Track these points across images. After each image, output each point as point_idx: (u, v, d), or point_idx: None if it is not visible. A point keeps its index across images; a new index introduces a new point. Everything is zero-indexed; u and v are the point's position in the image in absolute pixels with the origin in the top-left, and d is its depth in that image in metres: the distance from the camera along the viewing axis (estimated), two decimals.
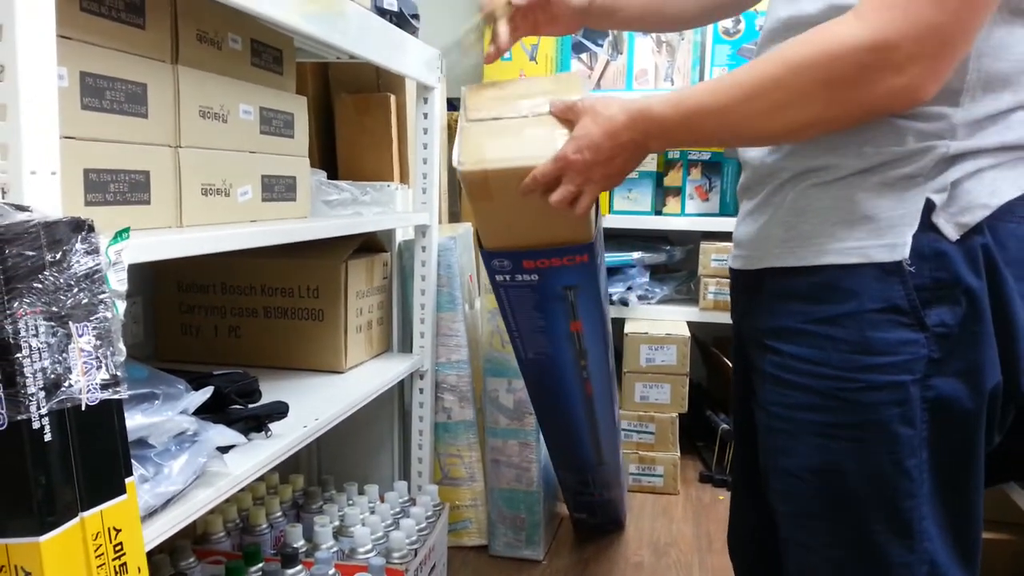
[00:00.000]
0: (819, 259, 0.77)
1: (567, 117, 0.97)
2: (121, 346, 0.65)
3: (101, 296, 0.64)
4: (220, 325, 1.54)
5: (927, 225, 0.73)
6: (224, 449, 1.01)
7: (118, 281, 0.66)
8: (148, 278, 1.56)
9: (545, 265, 1.15)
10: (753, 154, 0.86)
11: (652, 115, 0.84)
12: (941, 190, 0.73)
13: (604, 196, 2.40)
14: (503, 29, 1.07)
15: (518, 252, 1.14)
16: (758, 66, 0.74)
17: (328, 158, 1.79)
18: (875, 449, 0.75)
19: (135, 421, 0.85)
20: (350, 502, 1.55)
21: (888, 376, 0.73)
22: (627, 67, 2.43)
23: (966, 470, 0.76)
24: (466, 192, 1.06)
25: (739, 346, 0.94)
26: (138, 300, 1.54)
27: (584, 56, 2.46)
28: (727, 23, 2.35)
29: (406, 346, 1.80)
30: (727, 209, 2.47)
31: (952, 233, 0.72)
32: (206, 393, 0.98)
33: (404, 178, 1.78)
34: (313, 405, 1.29)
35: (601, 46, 2.43)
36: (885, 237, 0.73)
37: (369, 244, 1.66)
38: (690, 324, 2.32)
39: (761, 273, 0.84)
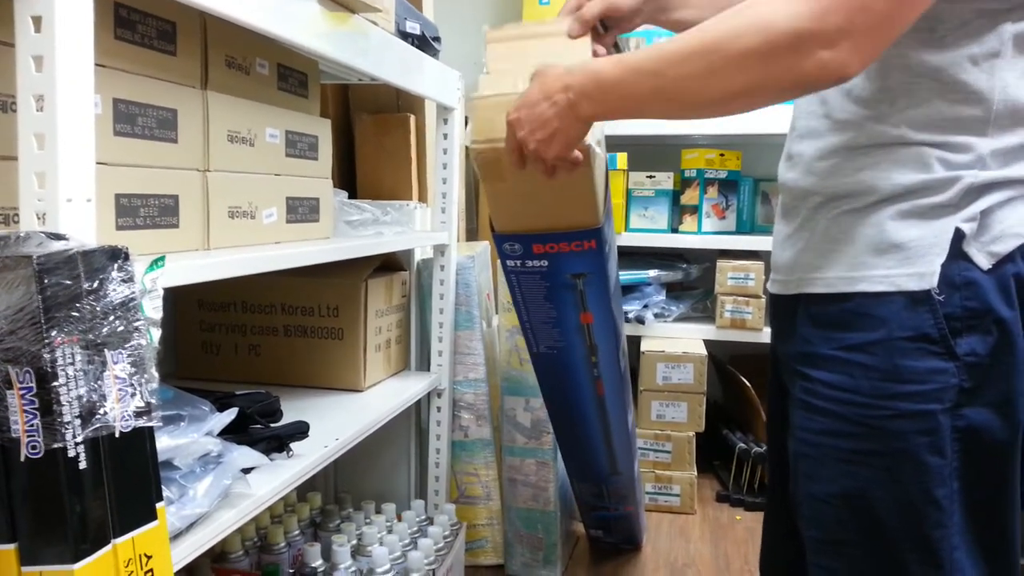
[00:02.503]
0: (849, 287, 0.77)
1: None
2: (154, 372, 0.66)
3: (136, 324, 0.64)
4: (240, 343, 1.55)
5: (957, 254, 0.73)
6: (246, 470, 1.01)
7: (153, 309, 0.66)
8: (169, 296, 1.57)
9: (554, 250, 1.17)
10: (788, 176, 0.87)
11: (590, 67, 0.81)
12: (971, 219, 0.73)
13: (620, 209, 2.40)
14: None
15: (528, 236, 1.16)
16: (698, 32, 0.73)
17: (347, 176, 1.81)
18: (903, 478, 0.75)
19: (161, 443, 0.85)
20: (368, 521, 1.55)
21: (917, 405, 0.73)
22: None
23: (1001, 501, 0.76)
24: (478, 171, 1.06)
25: (775, 370, 0.95)
26: None
27: None
28: None
29: (424, 364, 1.80)
30: (743, 227, 2.46)
31: (984, 262, 0.72)
32: (231, 414, 0.98)
33: (422, 197, 1.79)
34: (333, 424, 1.29)
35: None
36: (914, 266, 0.74)
37: (388, 263, 1.67)
38: (707, 342, 2.31)
39: (795, 299, 0.84)
